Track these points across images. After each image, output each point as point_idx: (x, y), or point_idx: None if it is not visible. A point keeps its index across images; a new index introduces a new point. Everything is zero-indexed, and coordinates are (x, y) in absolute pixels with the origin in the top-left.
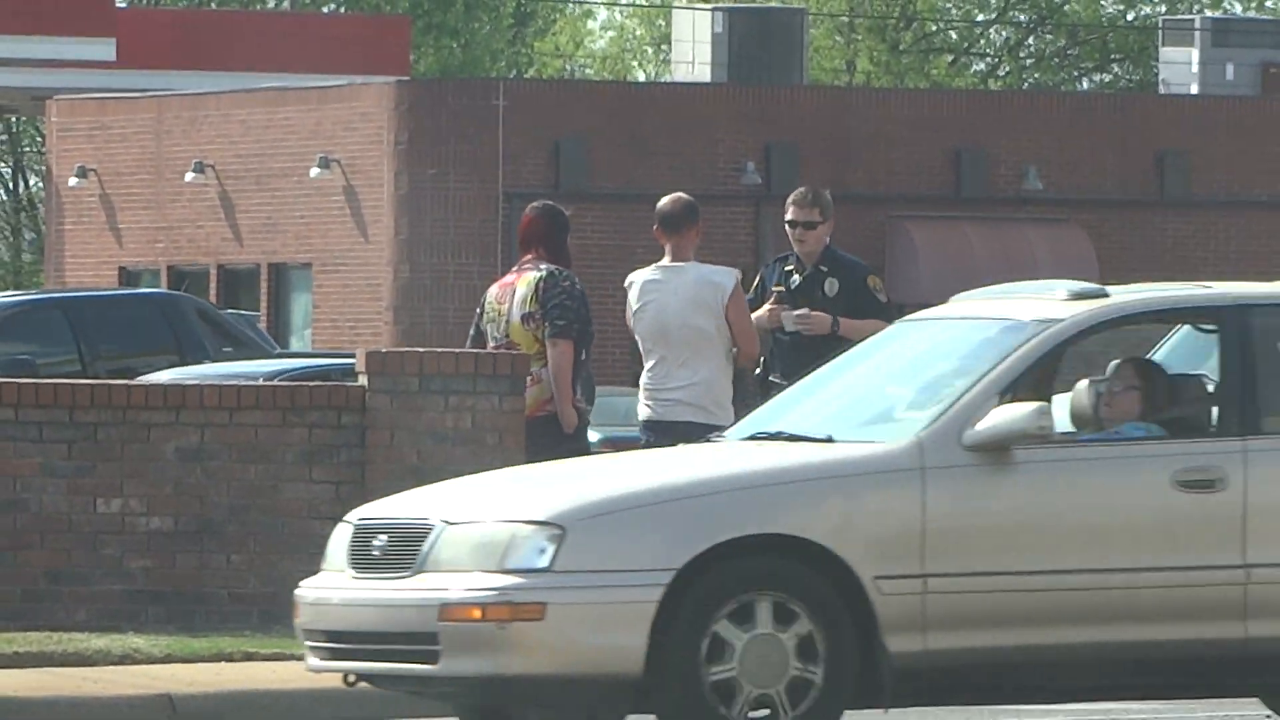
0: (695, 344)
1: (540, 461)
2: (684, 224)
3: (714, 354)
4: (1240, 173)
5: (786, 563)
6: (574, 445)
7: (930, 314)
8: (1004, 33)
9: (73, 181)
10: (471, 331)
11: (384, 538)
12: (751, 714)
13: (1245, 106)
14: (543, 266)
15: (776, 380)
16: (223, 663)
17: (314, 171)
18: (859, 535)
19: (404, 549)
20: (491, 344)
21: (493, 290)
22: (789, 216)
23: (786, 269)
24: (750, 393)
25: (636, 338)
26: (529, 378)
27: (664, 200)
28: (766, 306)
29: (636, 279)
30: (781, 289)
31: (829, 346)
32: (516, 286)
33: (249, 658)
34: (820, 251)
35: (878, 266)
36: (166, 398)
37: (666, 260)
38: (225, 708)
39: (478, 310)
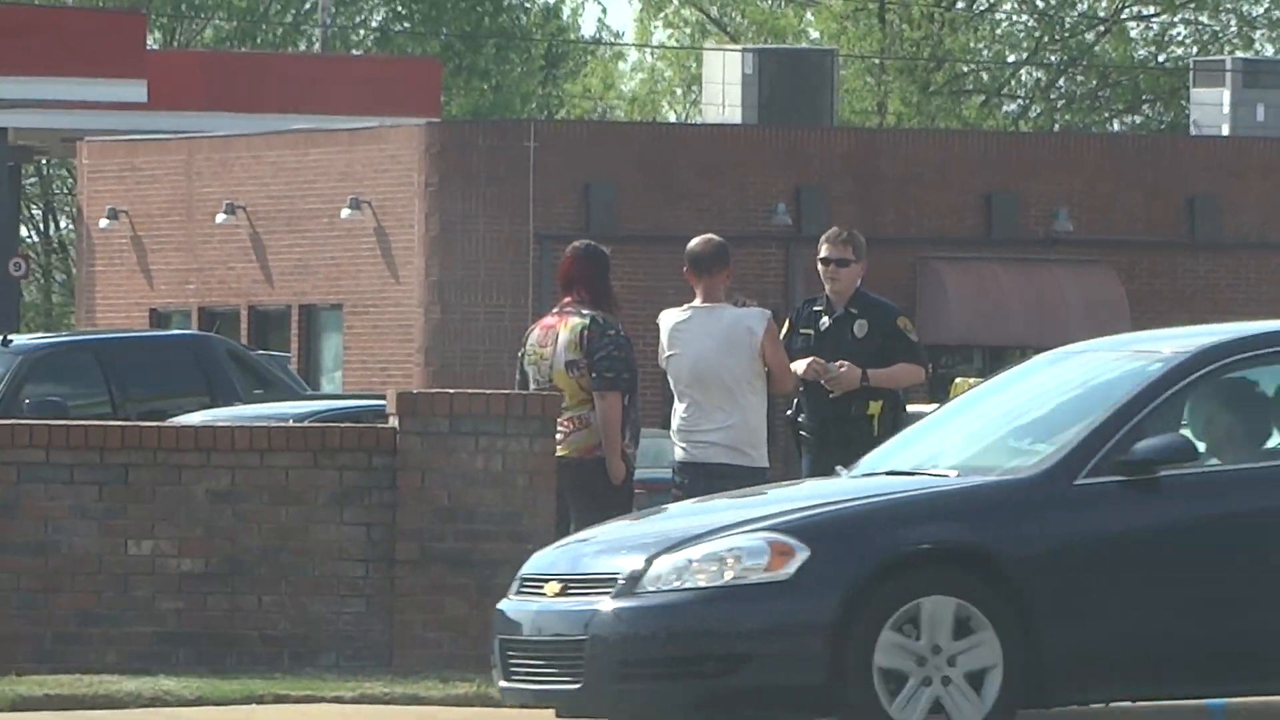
0: (729, 387)
1: (582, 504)
2: (715, 265)
3: (748, 396)
4: (1272, 214)
5: None
6: (621, 493)
7: None
8: (1035, 74)
9: (103, 223)
10: (518, 375)
11: None
12: None
13: (1277, 148)
14: (585, 313)
15: (802, 421)
16: (254, 705)
17: (345, 213)
18: None
19: None
20: (533, 386)
21: (535, 333)
22: (822, 254)
23: (815, 309)
24: (779, 432)
25: (669, 378)
26: (577, 420)
27: (694, 241)
28: (806, 361)
29: (668, 319)
30: (811, 345)
31: (857, 395)
32: (559, 331)
33: (280, 699)
34: (851, 293)
35: (908, 308)
36: (197, 439)
37: (698, 301)
38: None
39: (520, 353)
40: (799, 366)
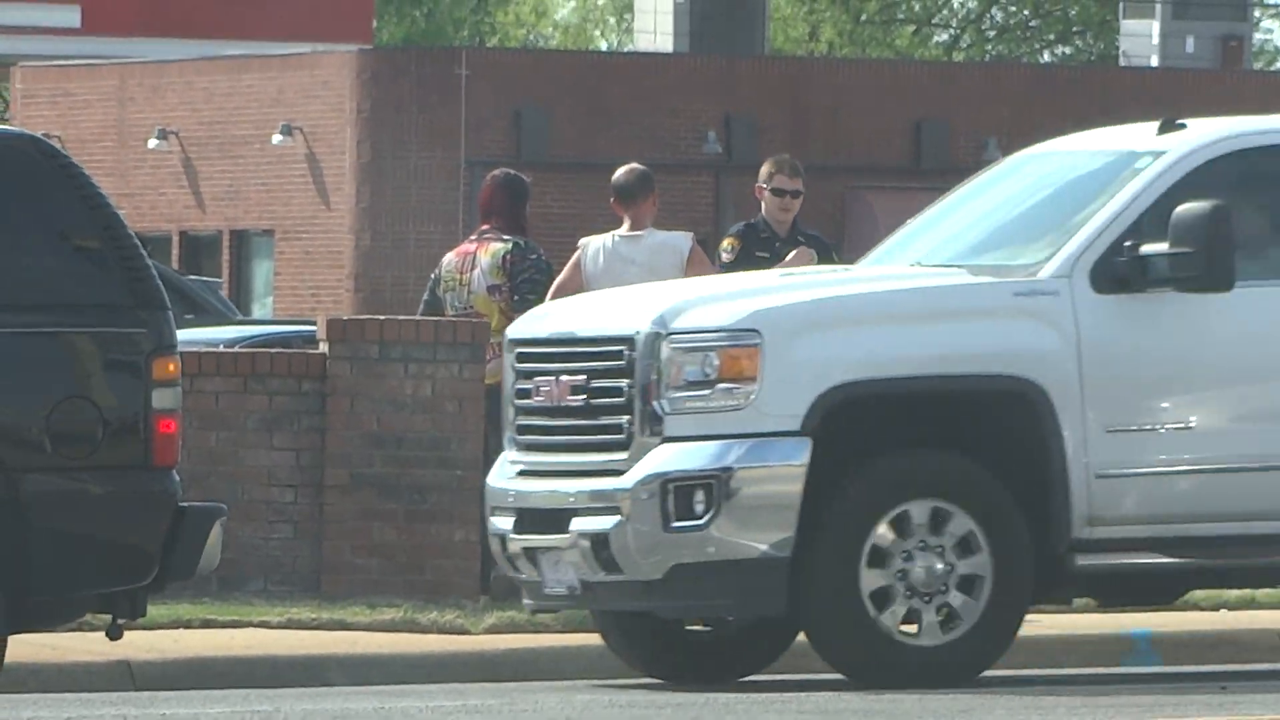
0: None
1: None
2: (640, 194)
3: None
4: None
5: None
6: None
7: None
8: (967, 4)
9: None
10: (425, 297)
11: None
12: None
13: (1205, 79)
14: (506, 238)
15: None
16: (181, 629)
17: (276, 139)
18: None
19: None
20: (450, 312)
21: (450, 258)
22: (777, 184)
23: (763, 236)
24: None
25: None
26: (500, 346)
27: (619, 172)
28: (795, 252)
29: (591, 244)
30: (808, 248)
31: None
32: (479, 256)
33: (207, 625)
34: (791, 222)
35: (837, 237)
36: None
37: (624, 229)
38: (183, 674)
39: (432, 277)
40: (794, 261)
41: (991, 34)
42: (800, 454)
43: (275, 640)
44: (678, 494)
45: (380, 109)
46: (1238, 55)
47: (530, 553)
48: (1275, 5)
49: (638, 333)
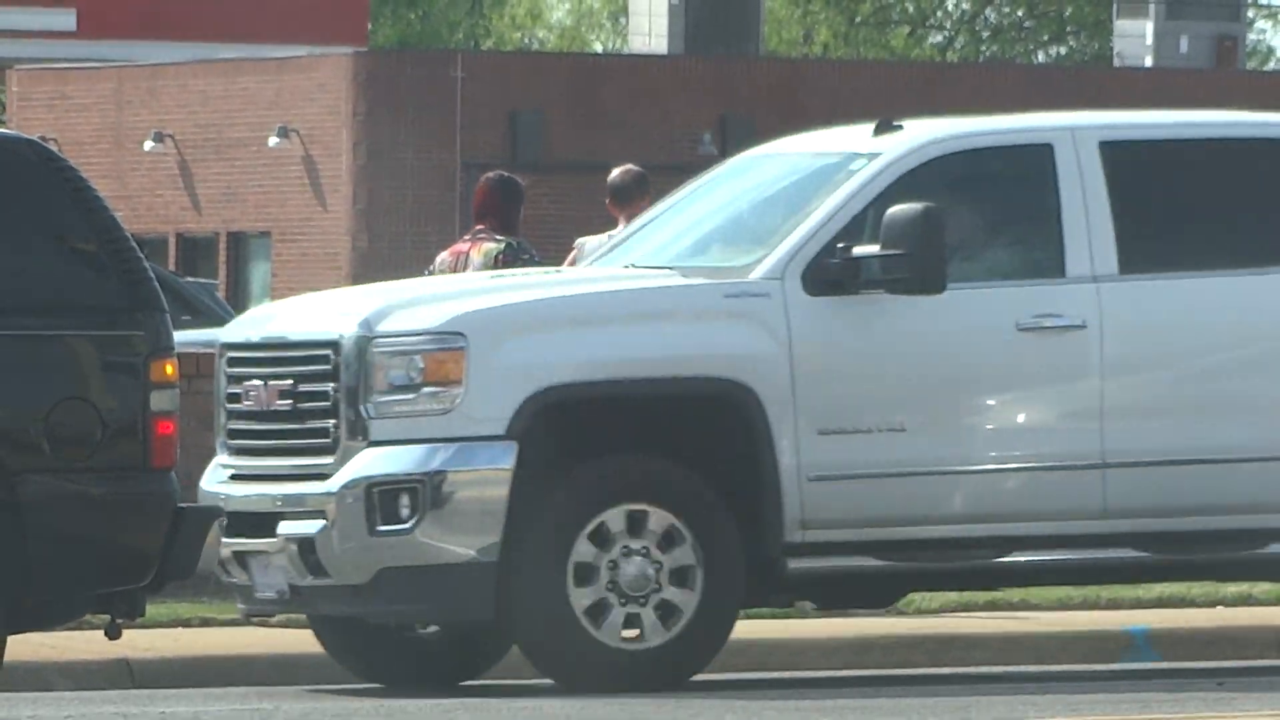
0: None
1: None
2: (635, 195)
3: None
4: None
5: None
6: None
7: None
8: (961, 4)
9: None
10: None
11: None
12: None
13: (1199, 79)
14: (499, 238)
15: None
16: (180, 628)
17: (273, 141)
18: None
19: None
20: None
21: (443, 257)
22: None
23: None
24: None
25: None
26: None
27: (614, 173)
28: None
29: (587, 245)
30: None
31: None
32: (472, 256)
33: (206, 624)
34: None
35: None
36: None
37: (619, 230)
38: (182, 673)
39: (426, 273)
40: None
41: (986, 35)
42: (506, 458)
43: (274, 638)
44: (382, 498)
45: (376, 111)
46: (1232, 55)
47: (240, 556)
48: (1269, 5)
49: (343, 336)
